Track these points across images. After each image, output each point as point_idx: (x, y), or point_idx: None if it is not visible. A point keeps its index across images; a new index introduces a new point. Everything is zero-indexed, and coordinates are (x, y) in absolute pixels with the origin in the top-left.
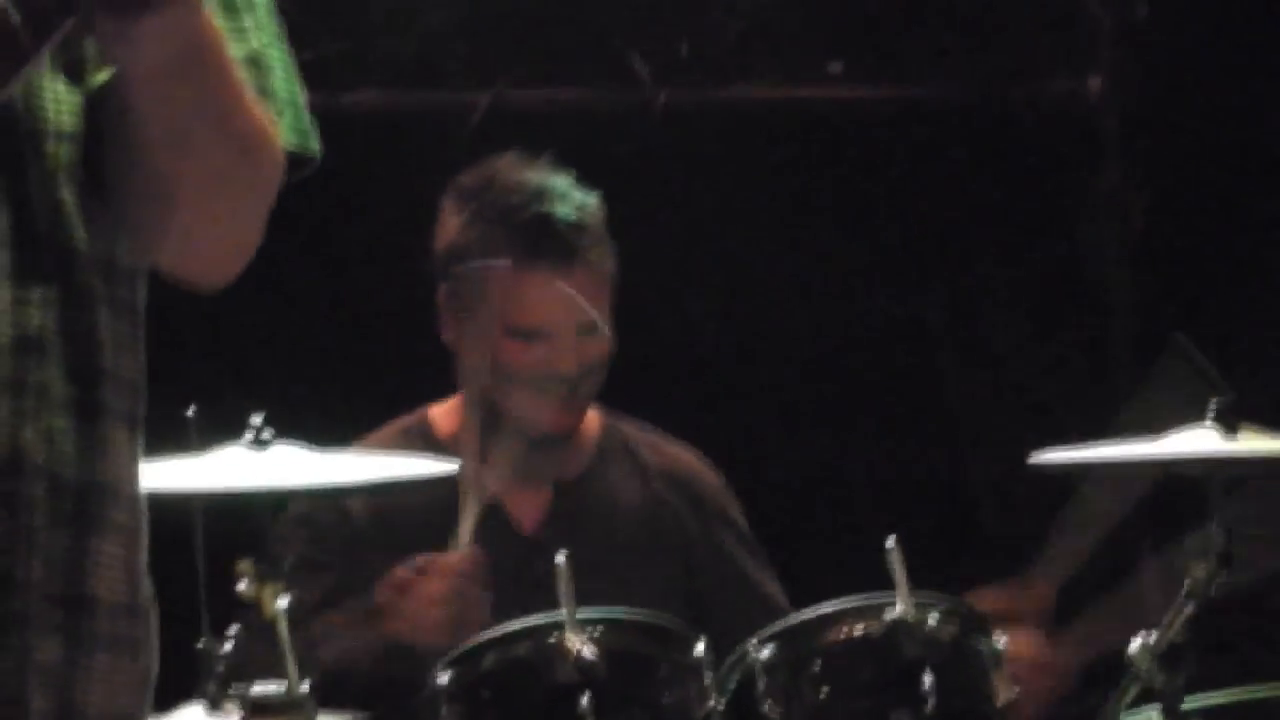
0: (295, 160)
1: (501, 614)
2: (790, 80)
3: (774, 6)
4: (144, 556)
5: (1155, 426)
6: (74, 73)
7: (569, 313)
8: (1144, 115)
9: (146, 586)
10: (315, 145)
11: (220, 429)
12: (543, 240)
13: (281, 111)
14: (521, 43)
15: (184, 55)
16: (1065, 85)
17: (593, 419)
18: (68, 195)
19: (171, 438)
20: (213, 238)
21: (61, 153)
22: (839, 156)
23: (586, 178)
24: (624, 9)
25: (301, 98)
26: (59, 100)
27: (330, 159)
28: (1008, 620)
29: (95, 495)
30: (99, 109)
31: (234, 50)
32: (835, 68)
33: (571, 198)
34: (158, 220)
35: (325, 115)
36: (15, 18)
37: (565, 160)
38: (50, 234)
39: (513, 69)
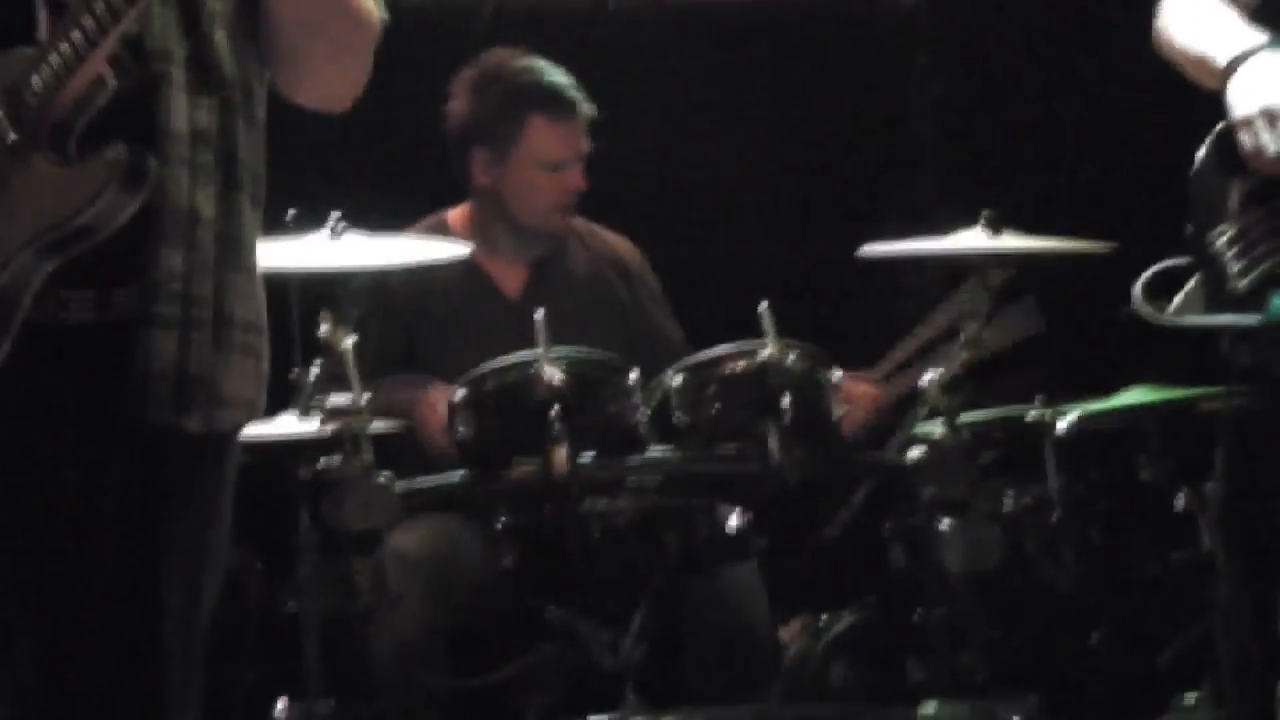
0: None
1: (496, 352)
2: None
3: None
4: (262, 292)
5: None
6: None
7: (576, 147)
8: (949, 20)
9: (263, 313)
10: (385, 13)
11: (309, 224)
12: (557, 100)
13: None
14: None
15: None
16: None
17: None
18: (221, 36)
19: (276, 228)
20: (334, 82)
21: (217, 6)
22: (738, 45)
23: (559, 62)
24: None
25: None
26: None
27: (387, 40)
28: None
29: (233, 244)
30: None
31: None
32: None
33: (560, 71)
34: (297, 72)
35: None
36: None
37: (543, 52)
38: (212, 62)
39: None
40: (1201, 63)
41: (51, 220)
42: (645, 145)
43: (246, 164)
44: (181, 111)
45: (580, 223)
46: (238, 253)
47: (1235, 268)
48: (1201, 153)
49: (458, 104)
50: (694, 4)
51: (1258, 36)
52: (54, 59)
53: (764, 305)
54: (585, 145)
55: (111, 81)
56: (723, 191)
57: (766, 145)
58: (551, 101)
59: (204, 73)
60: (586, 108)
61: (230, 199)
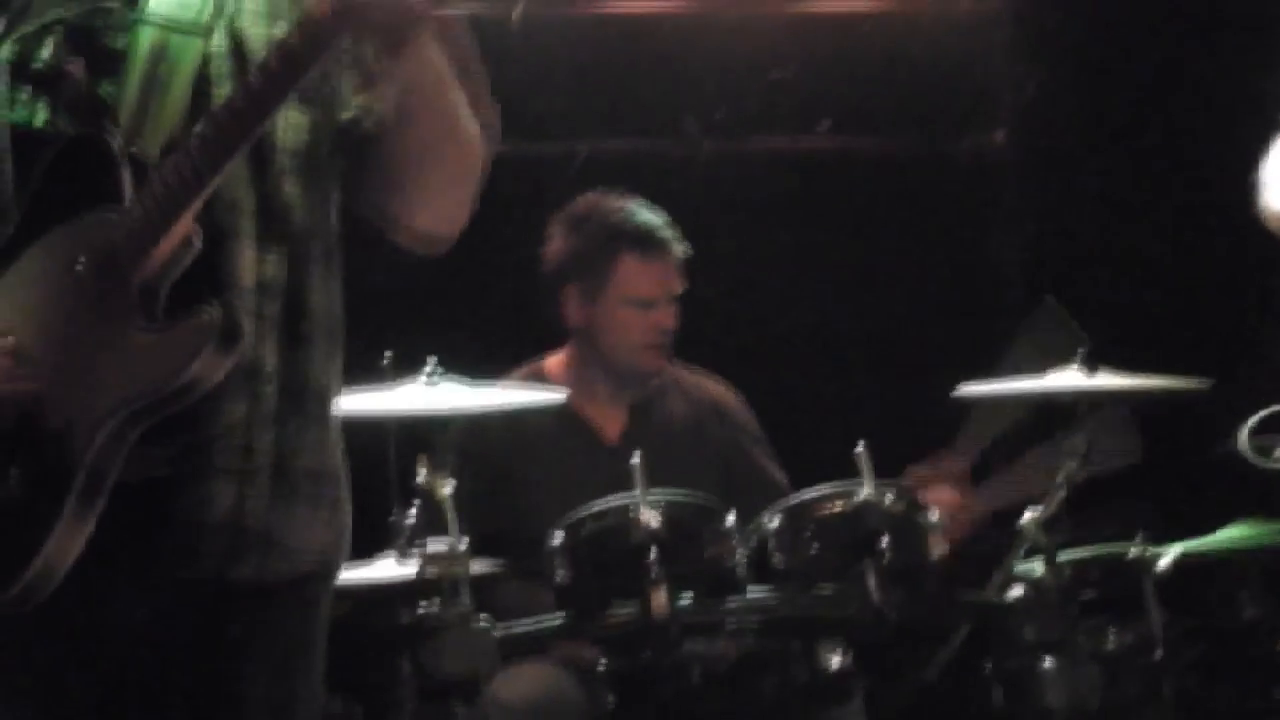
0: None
1: (594, 497)
2: (794, 133)
3: (783, 82)
4: (335, 438)
5: (1027, 367)
6: (306, 99)
7: (667, 286)
8: (1034, 163)
9: (337, 460)
10: (495, 145)
11: (406, 369)
12: (652, 241)
13: (487, 124)
14: (602, 106)
15: (430, 78)
16: (977, 139)
17: None
18: (293, 190)
19: (373, 375)
20: (443, 213)
21: (287, 160)
22: (827, 190)
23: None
24: (678, 81)
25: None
26: (288, 122)
27: (485, 187)
28: (932, 483)
29: (300, 394)
30: (355, 130)
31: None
32: (824, 124)
33: (652, 212)
34: (409, 204)
35: None
36: (271, 61)
37: (636, 192)
38: (280, 214)
39: (597, 127)
40: None
41: (145, 386)
42: (740, 288)
43: (318, 312)
44: (249, 264)
45: (678, 368)
46: (305, 402)
47: None
48: None
49: (552, 243)
50: (784, 150)
51: None
52: (141, 220)
53: (860, 446)
54: (677, 285)
55: (197, 243)
56: (818, 333)
57: (860, 287)
58: (642, 240)
59: (272, 224)
60: (678, 248)
61: (297, 349)
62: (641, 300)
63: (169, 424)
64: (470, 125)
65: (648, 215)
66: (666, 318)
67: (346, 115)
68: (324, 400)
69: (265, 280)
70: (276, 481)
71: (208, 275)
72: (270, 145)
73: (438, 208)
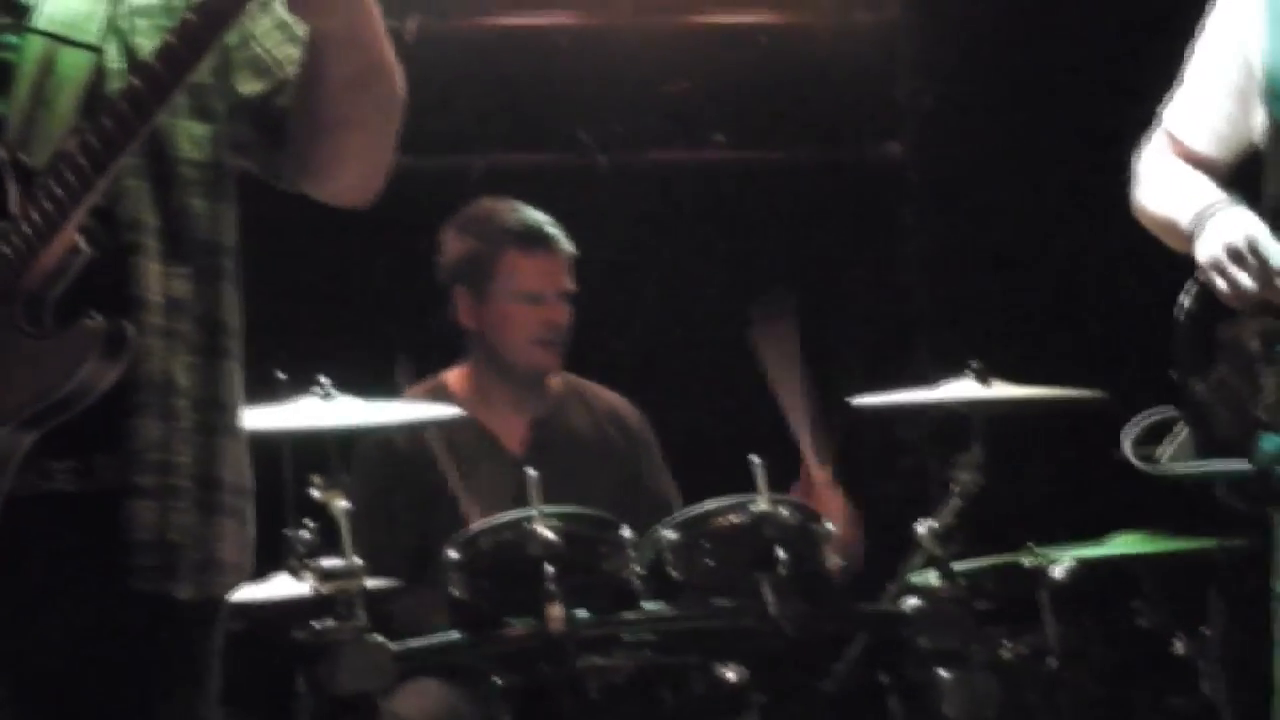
0: None
1: (497, 509)
2: (690, 146)
3: (679, 95)
4: (247, 453)
5: None
6: (204, 114)
7: (555, 282)
8: (932, 174)
9: (250, 476)
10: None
11: (299, 386)
12: (535, 235)
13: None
14: (498, 120)
15: (358, 17)
16: (874, 151)
17: (557, 376)
18: (199, 203)
19: (266, 392)
20: (369, 153)
21: (191, 174)
22: (725, 202)
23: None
24: (574, 95)
25: None
26: (190, 136)
27: (378, 202)
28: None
29: (217, 409)
30: (270, 104)
31: None
32: (719, 138)
33: (541, 214)
34: (333, 147)
35: None
36: (154, 63)
37: (536, 206)
38: (187, 230)
39: (493, 141)
40: (1171, 227)
41: (31, 394)
42: (638, 301)
43: (229, 327)
44: (156, 280)
45: (578, 381)
46: (222, 417)
47: (1223, 415)
48: (1184, 301)
49: (444, 248)
50: (683, 161)
51: (1218, 195)
52: (26, 230)
53: (755, 459)
54: (566, 282)
55: (85, 249)
56: (715, 345)
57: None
58: (525, 236)
59: (179, 241)
60: (565, 245)
61: (213, 365)
62: (528, 295)
63: (88, 438)
64: (392, 55)
65: (533, 214)
66: (557, 313)
67: (253, 90)
68: (236, 414)
69: (173, 296)
70: (201, 497)
71: (116, 293)
72: (173, 159)
73: (368, 149)
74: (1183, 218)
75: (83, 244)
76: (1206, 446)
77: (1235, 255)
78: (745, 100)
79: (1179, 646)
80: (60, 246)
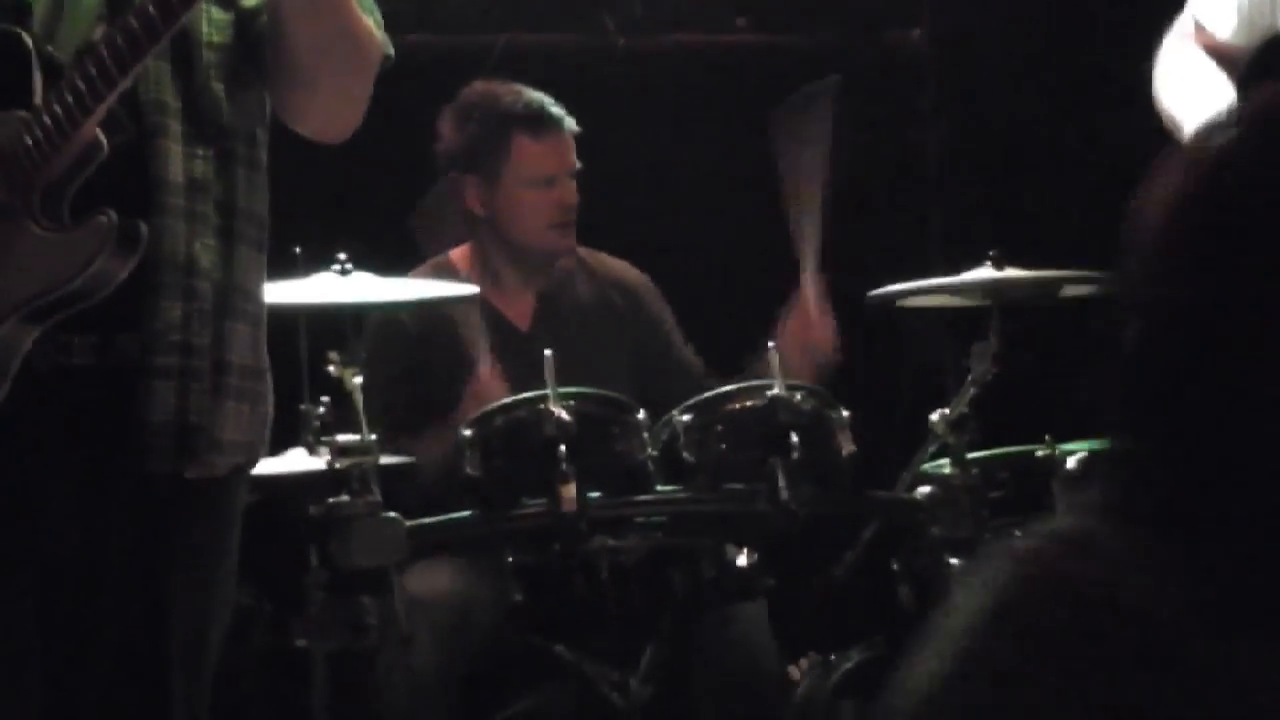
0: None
1: (508, 385)
2: (712, 30)
3: None
4: (263, 336)
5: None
6: (225, 1)
7: (565, 162)
8: (951, 61)
9: (264, 357)
10: (390, 50)
11: (317, 261)
12: (544, 118)
13: (375, 23)
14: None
15: None
16: (894, 36)
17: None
18: (218, 87)
19: (284, 267)
20: (338, 108)
21: (213, 58)
22: (744, 87)
23: (568, 101)
24: None
25: (379, 15)
26: (212, 20)
27: (396, 81)
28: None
29: (233, 291)
30: (251, 23)
31: None
32: (741, 22)
33: (541, 94)
34: (303, 97)
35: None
36: None
37: (553, 88)
38: (208, 112)
39: (514, 20)
40: (1176, 128)
41: (42, 286)
42: (655, 184)
43: (247, 212)
44: (177, 162)
45: (584, 251)
46: (237, 300)
47: None
48: None
49: (444, 136)
50: (701, 46)
51: (1209, 112)
52: (47, 122)
53: (771, 345)
54: (574, 160)
55: (105, 145)
56: (730, 234)
57: (776, 184)
58: (533, 119)
59: (200, 124)
60: (570, 123)
61: (230, 247)
62: (541, 179)
63: (110, 316)
64: (362, 20)
65: (536, 95)
66: (568, 194)
67: (249, 3)
68: (254, 298)
69: (195, 178)
70: (214, 379)
71: (138, 175)
72: (195, 43)
73: (330, 103)
74: (1188, 124)
75: (103, 140)
76: None
77: None
78: None
79: None
80: (81, 141)
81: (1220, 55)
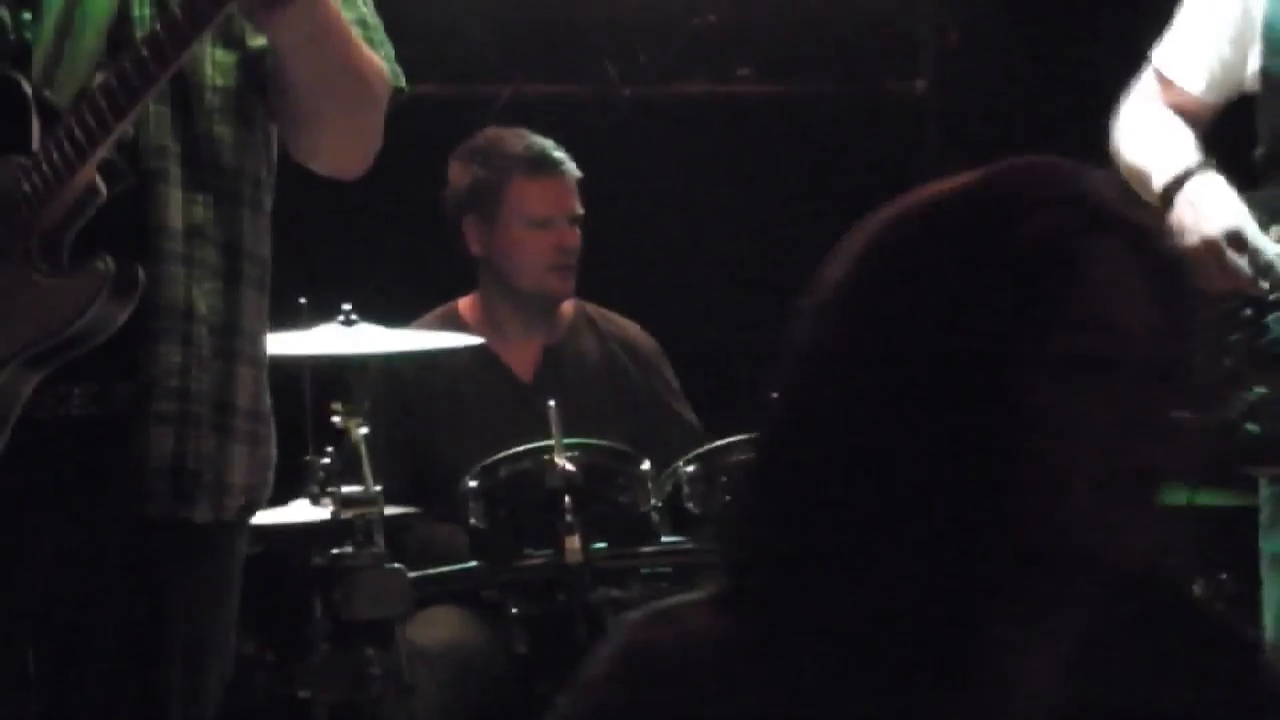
0: (393, 91)
1: (510, 439)
2: (715, 80)
3: (705, 28)
4: (265, 378)
5: None
6: (230, 41)
7: (563, 205)
8: (955, 111)
9: (267, 400)
10: (403, 82)
11: (321, 313)
12: (542, 161)
13: (386, 57)
14: (525, 50)
15: (315, 28)
16: (898, 86)
17: (569, 303)
18: (222, 130)
19: (289, 318)
20: (347, 143)
21: (216, 100)
22: (748, 135)
23: (573, 149)
24: (600, 25)
25: (391, 48)
26: (215, 62)
27: (402, 131)
28: None
29: (236, 335)
30: (258, 64)
31: (346, 14)
32: (744, 71)
33: (545, 140)
34: (310, 135)
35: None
36: (177, 11)
37: (558, 136)
38: (209, 156)
39: (520, 70)
40: (1143, 179)
41: (41, 331)
42: (659, 232)
43: (251, 254)
44: (176, 208)
45: (591, 308)
46: (239, 343)
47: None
48: None
49: (451, 179)
50: (706, 95)
51: (1195, 157)
52: (45, 168)
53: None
54: (574, 205)
55: (102, 191)
56: (735, 280)
57: (781, 232)
58: (532, 161)
59: (200, 168)
60: (571, 167)
61: (234, 291)
62: (538, 220)
63: (108, 365)
64: (366, 58)
65: (538, 140)
66: (566, 237)
67: (256, 45)
68: (256, 340)
69: (194, 223)
70: (219, 421)
71: (137, 221)
72: (198, 85)
73: (338, 140)
74: (1157, 174)
75: (101, 186)
76: None
77: (1236, 242)
78: (771, 34)
79: (1197, 591)
80: (78, 187)
81: (1189, 112)
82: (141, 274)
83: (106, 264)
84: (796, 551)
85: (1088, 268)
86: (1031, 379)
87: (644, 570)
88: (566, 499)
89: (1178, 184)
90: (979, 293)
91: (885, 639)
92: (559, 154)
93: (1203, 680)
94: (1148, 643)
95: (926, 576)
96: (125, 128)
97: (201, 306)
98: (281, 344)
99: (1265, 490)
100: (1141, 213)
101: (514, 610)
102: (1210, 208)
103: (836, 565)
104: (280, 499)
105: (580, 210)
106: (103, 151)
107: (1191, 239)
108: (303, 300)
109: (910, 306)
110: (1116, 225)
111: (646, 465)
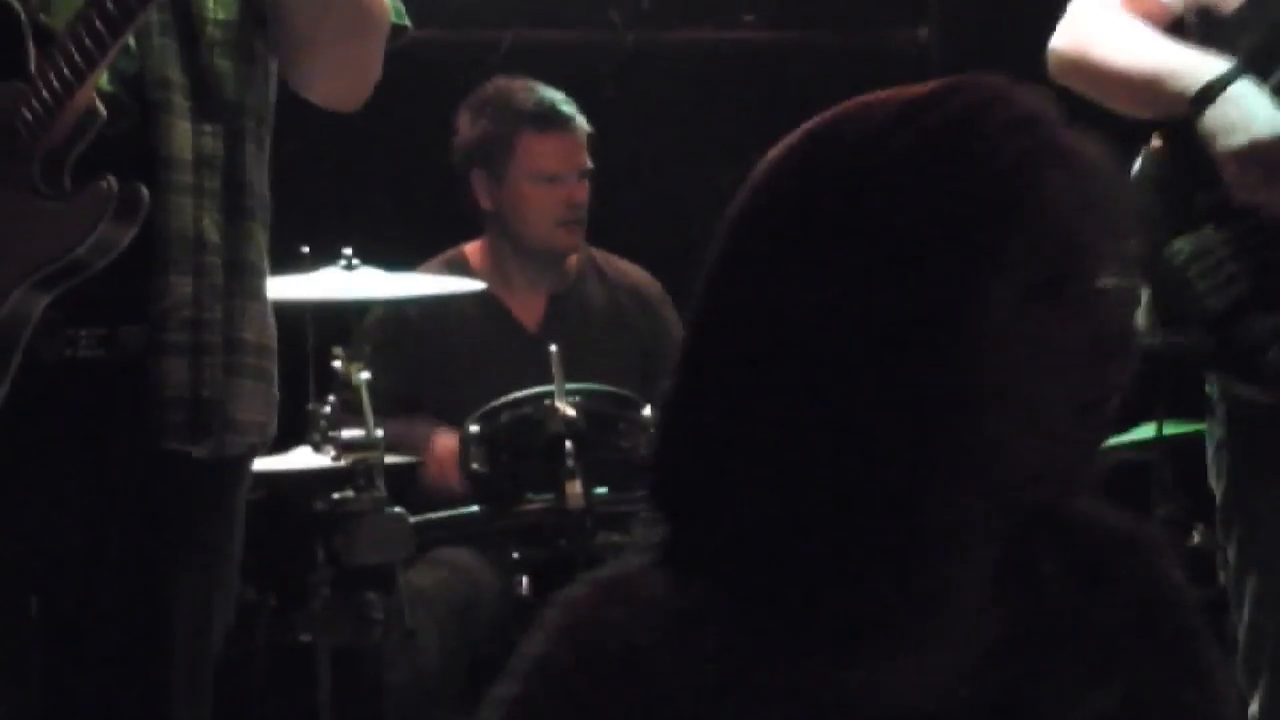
0: (395, 29)
1: (515, 387)
2: (719, 26)
3: None
4: (271, 316)
5: None
6: None
7: (572, 160)
8: (958, 59)
9: (273, 336)
10: (407, 21)
11: (323, 257)
12: (551, 115)
13: None
14: None
15: None
16: (901, 34)
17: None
18: (223, 63)
19: (290, 263)
20: (343, 73)
21: (217, 34)
22: (752, 82)
23: (576, 96)
24: None
25: None
26: None
27: (404, 76)
28: None
29: (242, 268)
30: None
31: None
32: (749, 18)
33: (555, 92)
34: (307, 63)
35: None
36: None
37: (561, 83)
38: (214, 89)
39: (518, 16)
40: (1155, 84)
41: (46, 255)
42: (661, 180)
43: (255, 189)
44: (185, 138)
45: (598, 254)
46: (247, 277)
47: (1200, 287)
48: (1137, 167)
49: (459, 130)
50: (709, 41)
51: (1219, 63)
52: (44, 91)
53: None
54: (584, 160)
55: (102, 113)
56: None
57: None
58: (541, 116)
59: (207, 99)
60: (580, 121)
61: (238, 225)
62: (546, 175)
63: (115, 306)
64: None
65: (548, 92)
66: (575, 192)
67: None
68: (261, 276)
69: (203, 154)
70: (228, 356)
71: (145, 152)
72: (200, 18)
73: (334, 68)
74: (1187, 73)
75: (100, 107)
76: (1169, 318)
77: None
78: None
79: (1196, 537)
80: (77, 109)
81: (1154, 18)
82: (145, 194)
83: (110, 184)
84: (730, 482)
85: (1044, 191)
86: (996, 308)
87: (644, 515)
88: (568, 444)
89: (1222, 83)
90: (936, 222)
91: (824, 571)
92: (568, 108)
93: (1111, 586)
94: (1054, 552)
95: (874, 510)
96: (119, 49)
97: (213, 236)
98: (282, 288)
99: None
100: (1083, 136)
101: (515, 555)
102: (1259, 107)
103: (774, 501)
104: (282, 444)
105: (589, 164)
106: (100, 72)
107: (1239, 139)
108: (305, 249)
109: (863, 229)
110: (1067, 150)
111: (647, 410)
